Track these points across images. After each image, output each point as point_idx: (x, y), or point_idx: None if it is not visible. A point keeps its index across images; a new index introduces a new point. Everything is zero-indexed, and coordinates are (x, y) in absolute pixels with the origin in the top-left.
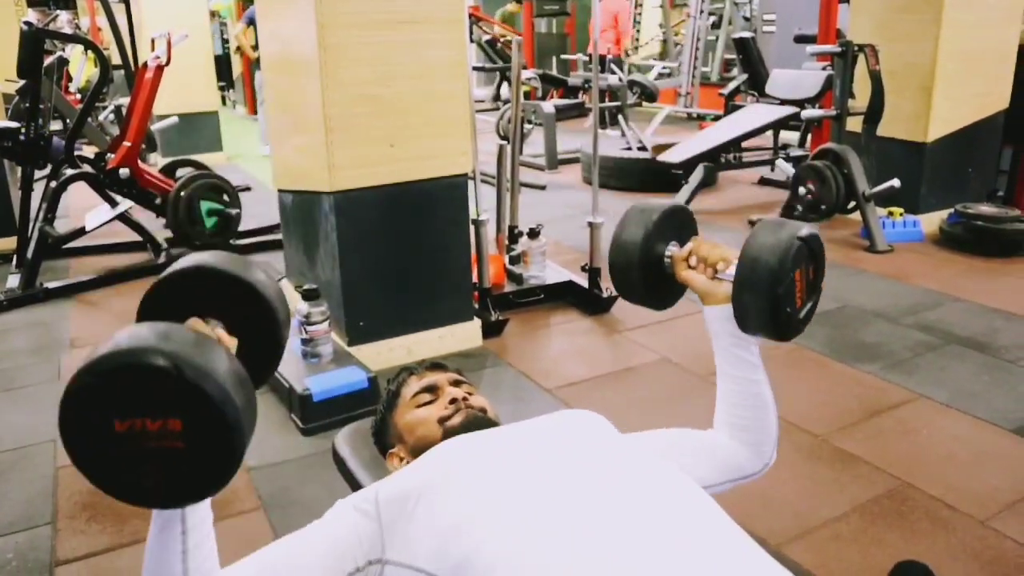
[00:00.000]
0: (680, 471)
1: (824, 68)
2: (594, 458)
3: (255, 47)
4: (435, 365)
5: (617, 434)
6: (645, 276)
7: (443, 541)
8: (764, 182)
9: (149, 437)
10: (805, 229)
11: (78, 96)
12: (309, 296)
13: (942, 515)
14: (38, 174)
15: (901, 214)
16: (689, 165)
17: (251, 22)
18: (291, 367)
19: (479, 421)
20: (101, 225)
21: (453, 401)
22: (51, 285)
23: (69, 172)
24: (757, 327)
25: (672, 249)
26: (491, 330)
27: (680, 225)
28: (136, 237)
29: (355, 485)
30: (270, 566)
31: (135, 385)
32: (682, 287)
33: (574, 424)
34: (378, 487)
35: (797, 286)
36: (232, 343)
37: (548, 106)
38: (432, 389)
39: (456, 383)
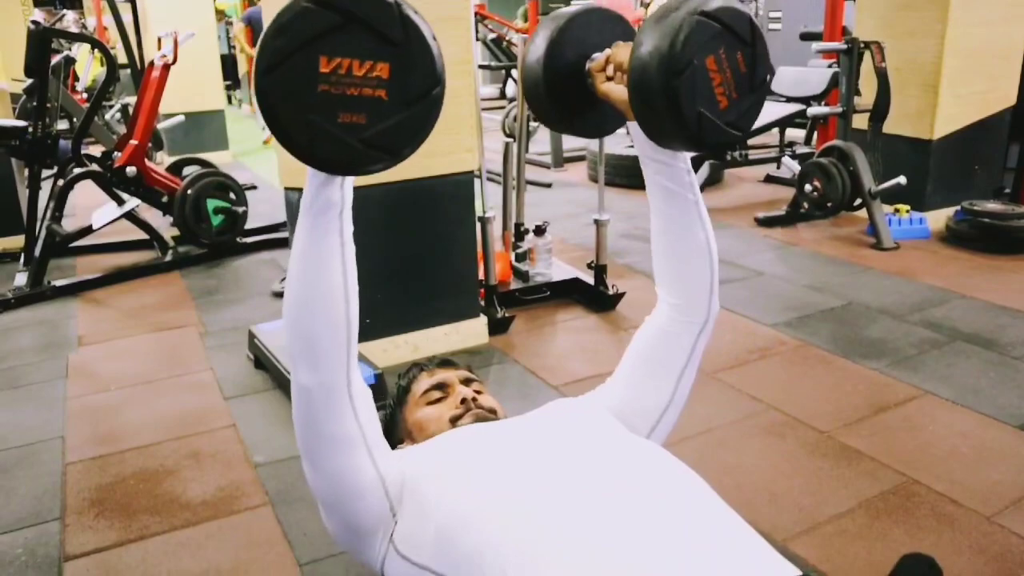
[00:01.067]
0: (679, 460)
1: (830, 65)
2: (596, 452)
3: (254, 45)
4: (445, 362)
5: (615, 422)
6: (556, 92)
7: (447, 539)
8: (770, 179)
9: (353, 81)
10: (713, 2)
11: (85, 95)
12: None
13: (947, 511)
14: (45, 173)
15: (907, 211)
16: (694, 163)
17: (249, 22)
18: None
19: (487, 422)
20: (108, 223)
21: (463, 401)
22: (58, 283)
23: (76, 171)
24: (662, 133)
25: (593, 60)
26: (497, 327)
27: (603, 31)
28: (143, 235)
29: None
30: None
31: (352, 18)
32: (613, 107)
33: (574, 416)
34: (402, 455)
35: (714, 79)
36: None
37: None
38: (442, 387)
39: (466, 381)
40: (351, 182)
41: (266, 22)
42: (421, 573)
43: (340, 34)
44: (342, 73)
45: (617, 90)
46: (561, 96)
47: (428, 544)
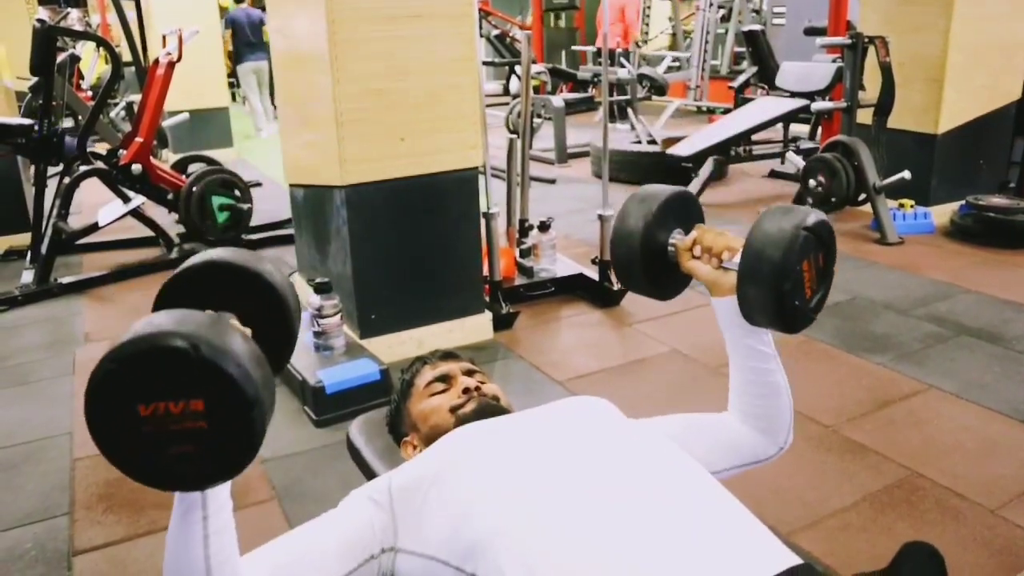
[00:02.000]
0: (686, 454)
1: (834, 60)
2: (602, 443)
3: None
4: (448, 355)
5: (624, 419)
6: (648, 267)
7: (454, 528)
8: (774, 175)
9: (172, 419)
10: (812, 217)
11: (90, 93)
12: (321, 289)
13: (952, 504)
14: (51, 171)
15: (912, 206)
16: (699, 158)
17: (232, 23)
18: (304, 360)
19: (491, 409)
20: (114, 221)
21: (466, 390)
22: (65, 280)
23: (82, 168)
24: (764, 321)
25: (676, 238)
26: (502, 323)
27: (684, 212)
28: (148, 233)
29: (369, 474)
30: (289, 555)
31: (156, 368)
32: (687, 277)
33: (582, 410)
34: (391, 477)
35: (806, 276)
36: (246, 331)
37: (558, 100)
38: (445, 378)
39: (469, 372)
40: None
41: (268, 19)
42: (428, 563)
43: (149, 383)
44: (161, 414)
45: (704, 270)
46: (649, 267)
47: (435, 535)
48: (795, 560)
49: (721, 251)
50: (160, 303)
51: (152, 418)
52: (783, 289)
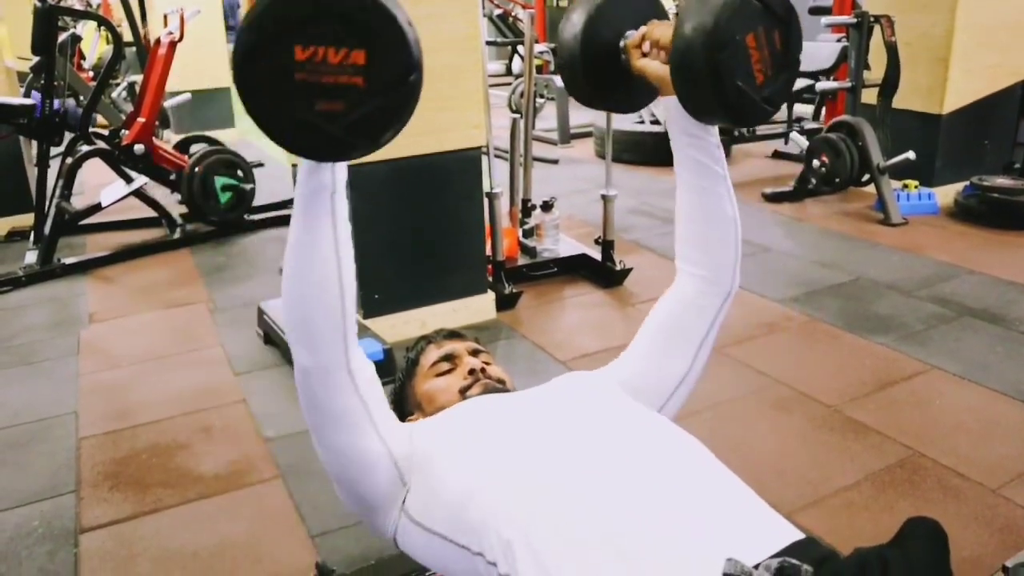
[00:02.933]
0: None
1: (839, 40)
2: (603, 422)
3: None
4: (453, 334)
5: (622, 394)
6: (594, 71)
7: (459, 505)
8: (778, 155)
9: (329, 69)
10: None
11: (91, 74)
12: None
13: (953, 484)
14: (53, 151)
15: (916, 187)
16: None
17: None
18: None
19: (497, 392)
20: (117, 201)
21: (472, 372)
22: (68, 261)
23: (84, 149)
24: (703, 108)
25: (628, 37)
26: (505, 303)
27: (636, 8)
28: (151, 213)
29: None
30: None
31: (325, 6)
32: (649, 87)
33: (582, 388)
34: (411, 429)
35: (753, 54)
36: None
37: (560, 80)
38: (451, 358)
39: (474, 352)
40: (343, 165)
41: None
42: (433, 539)
43: (313, 23)
44: (317, 61)
45: (653, 66)
46: (596, 72)
47: (441, 512)
48: (799, 535)
49: (671, 43)
50: None
51: (308, 64)
52: (718, 59)
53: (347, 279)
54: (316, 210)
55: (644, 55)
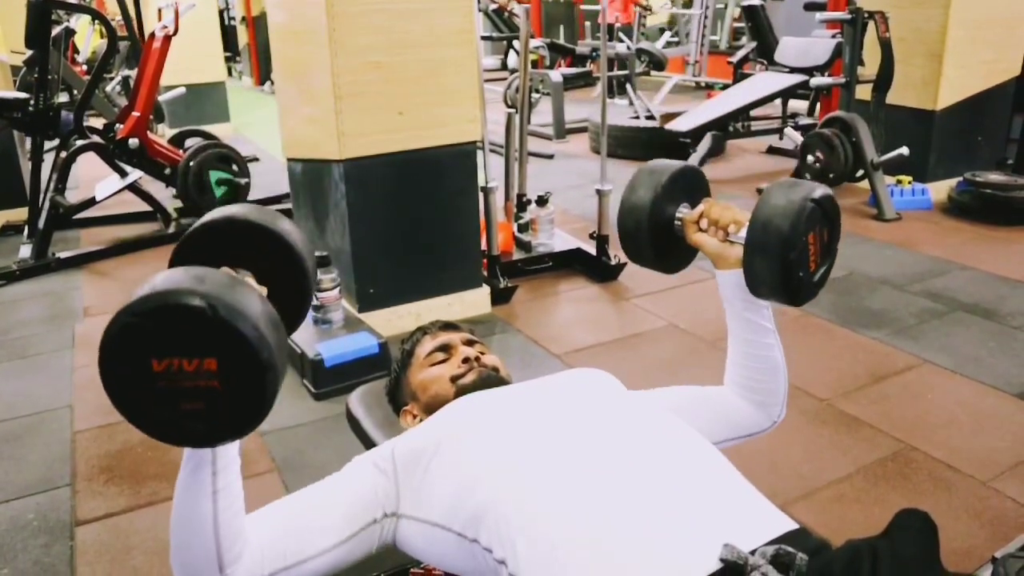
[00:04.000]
0: (684, 424)
1: (834, 36)
2: (602, 413)
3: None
4: (448, 325)
5: (624, 390)
6: (655, 239)
7: (456, 496)
8: (772, 151)
9: (186, 376)
10: (819, 191)
11: (85, 68)
12: (320, 263)
13: (945, 476)
14: (47, 145)
15: (909, 182)
16: (697, 134)
17: None
18: (303, 333)
19: (491, 379)
20: (111, 195)
21: (466, 360)
22: (63, 255)
23: (79, 143)
24: (769, 292)
25: (683, 211)
26: (500, 297)
27: (691, 186)
28: (146, 207)
29: (368, 444)
30: (293, 515)
31: (172, 325)
32: (693, 250)
33: (582, 381)
34: (394, 444)
35: (811, 249)
36: (262, 291)
37: (556, 75)
38: (446, 348)
39: (469, 343)
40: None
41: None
42: (428, 529)
43: (164, 338)
44: (174, 371)
45: (712, 243)
46: (656, 239)
47: (436, 502)
48: (792, 525)
49: (728, 224)
50: (178, 258)
51: (165, 374)
52: (789, 259)
53: (224, 536)
54: (199, 477)
55: (701, 230)
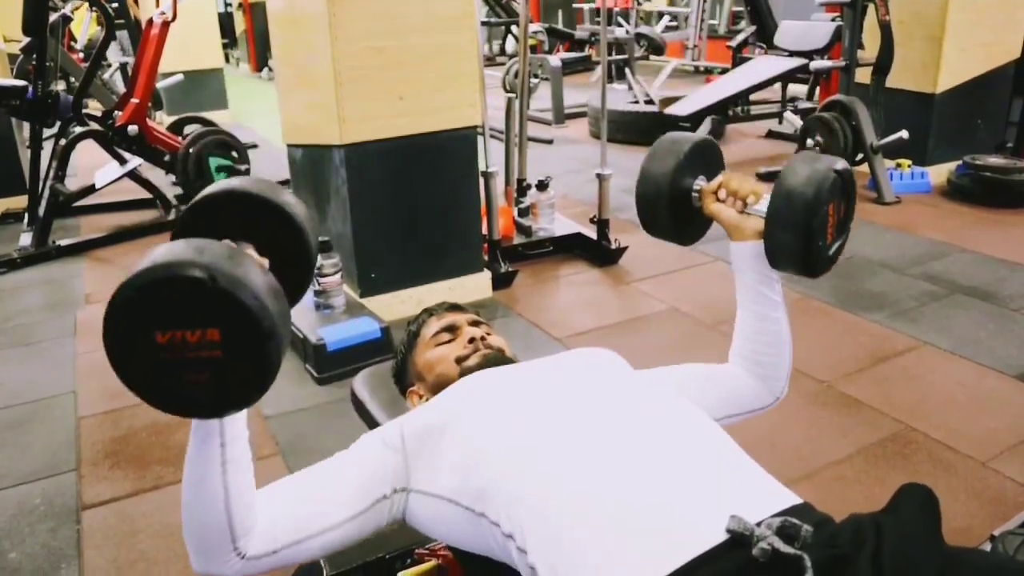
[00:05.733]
0: (689, 402)
1: (833, 19)
2: (607, 391)
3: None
4: (454, 306)
5: (629, 369)
6: (673, 209)
7: (464, 474)
8: (772, 135)
9: (189, 347)
10: (841, 163)
11: (82, 55)
12: (321, 248)
13: (944, 457)
14: (46, 133)
15: (909, 166)
16: (697, 118)
17: None
18: (305, 318)
19: (496, 360)
20: (111, 182)
21: (472, 341)
22: (63, 242)
23: (78, 130)
24: (788, 261)
25: (700, 182)
26: (501, 281)
27: (709, 159)
28: (146, 194)
29: (373, 425)
30: (304, 491)
31: (173, 297)
32: (708, 222)
33: (587, 360)
34: (402, 422)
35: (829, 220)
36: (263, 262)
37: (555, 60)
38: (451, 329)
39: (475, 323)
40: (232, 420)
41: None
42: (436, 503)
43: (167, 311)
44: (177, 343)
45: (728, 213)
46: (674, 208)
47: (445, 476)
48: (796, 499)
49: (747, 194)
50: (179, 231)
51: (169, 346)
52: (812, 226)
53: (235, 509)
54: (207, 450)
55: (720, 201)
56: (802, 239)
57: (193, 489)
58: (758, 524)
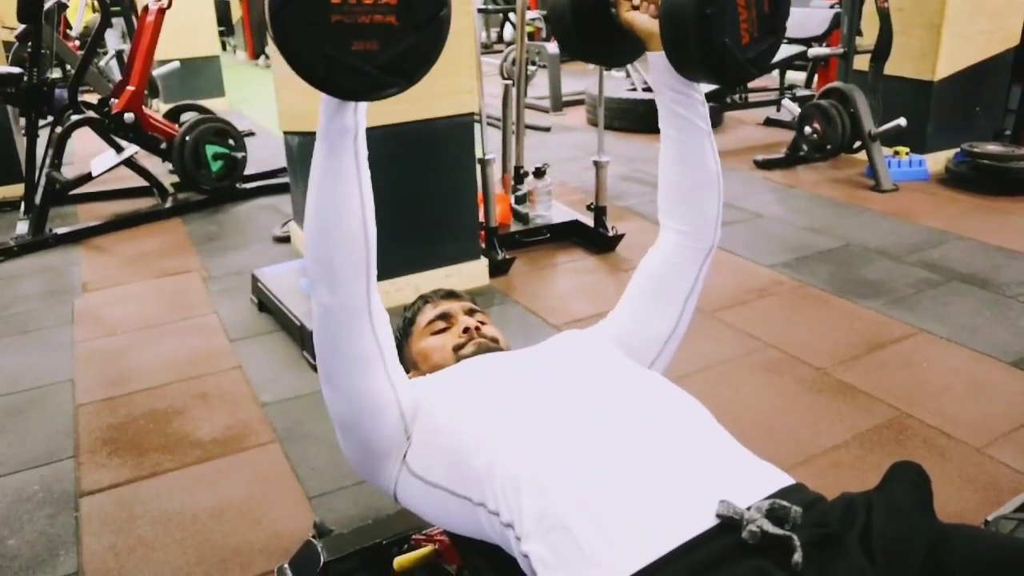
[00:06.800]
0: (679, 388)
1: (831, 6)
2: (598, 376)
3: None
4: (450, 294)
5: (614, 350)
6: (581, 20)
7: (458, 459)
8: (770, 122)
9: (364, 10)
10: None
11: (77, 42)
12: None
13: (939, 443)
14: (42, 121)
15: (907, 153)
16: None
17: None
18: (302, 306)
19: (490, 351)
20: (108, 170)
21: (466, 330)
22: (60, 231)
23: (74, 118)
24: (689, 64)
25: None
26: (498, 269)
27: None
28: (142, 182)
29: None
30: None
31: None
32: (635, 40)
33: (576, 345)
34: (413, 384)
35: (741, 14)
36: None
37: (552, 47)
38: (446, 317)
39: (470, 312)
40: (364, 107)
41: None
42: (434, 491)
43: None
44: (352, 3)
45: (641, 19)
46: (586, 24)
47: (442, 465)
48: (788, 480)
49: None
50: None
51: (343, 5)
52: (705, 14)
53: (370, 220)
54: (340, 152)
55: (635, 7)
56: (697, 33)
57: (328, 194)
58: (748, 508)
